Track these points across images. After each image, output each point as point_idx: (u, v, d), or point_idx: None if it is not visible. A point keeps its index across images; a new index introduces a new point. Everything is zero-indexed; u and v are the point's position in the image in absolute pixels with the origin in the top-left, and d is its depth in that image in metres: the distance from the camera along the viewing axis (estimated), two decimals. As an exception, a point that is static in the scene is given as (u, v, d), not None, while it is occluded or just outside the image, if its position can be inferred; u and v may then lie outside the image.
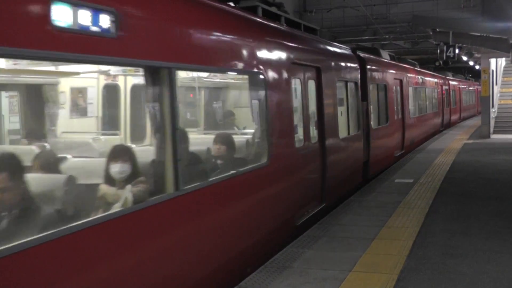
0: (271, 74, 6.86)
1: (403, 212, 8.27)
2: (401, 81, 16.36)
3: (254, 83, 6.78)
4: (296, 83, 7.90)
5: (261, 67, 6.60)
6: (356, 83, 11.25)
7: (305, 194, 7.94)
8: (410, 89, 18.24)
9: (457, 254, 6.16)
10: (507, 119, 23.09)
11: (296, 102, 7.93)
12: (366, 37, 27.92)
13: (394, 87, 15.37)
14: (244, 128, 8.38)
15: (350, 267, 5.78)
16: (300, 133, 7.98)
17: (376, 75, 13.37)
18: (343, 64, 10.68)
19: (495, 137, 21.25)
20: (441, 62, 21.55)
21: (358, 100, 11.29)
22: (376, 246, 6.54)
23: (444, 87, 27.23)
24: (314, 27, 10.15)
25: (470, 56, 26.71)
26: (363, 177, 11.60)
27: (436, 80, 24.99)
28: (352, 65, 11.19)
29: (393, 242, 6.69)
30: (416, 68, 20.86)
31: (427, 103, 22.07)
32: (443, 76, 28.64)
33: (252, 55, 6.49)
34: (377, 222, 7.70)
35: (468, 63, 31.26)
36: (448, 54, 19.77)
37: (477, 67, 33.79)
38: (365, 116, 11.82)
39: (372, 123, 12.48)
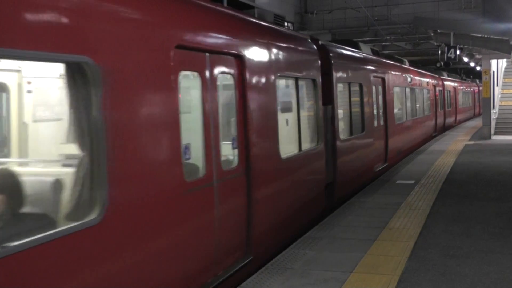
0: (120, 62, 4.12)
1: (404, 213, 8.28)
2: (383, 80, 13.86)
3: (74, 76, 3.84)
4: (188, 78, 5.37)
5: (93, 48, 3.83)
6: (314, 81, 8.67)
7: (206, 254, 5.26)
8: (396, 90, 15.76)
9: (458, 255, 6.17)
10: (508, 120, 23.09)
11: (189, 109, 5.37)
12: (367, 38, 27.94)
13: (374, 87, 12.84)
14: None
15: (351, 268, 5.80)
16: (197, 159, 5.24)
17: (348, 71, 10.81)
18: (291, 54, 7.86)
19: (496, 138, 21.26)
20: (442, 63, 21.57)
21: (317, 104, 8.78)
22: (377, 247, 6.55)
23: (437, 88, 24.60)
24: (249, 3, 7.61)
25: (471, 57, 26.76)
26: (328, 202, 9.31)
27: (428, 79, 22.27)
28: (309, 57, 8.62)
29: (394, 243, 6.70)
30: (404, 66, 18.26)
31: (417, 105, 19.36)
32: (437, 76, 25.75)
33: (67, 27, 3.63)
34: (378, 223, 7.72)
35: (462, 63, 31.13)
36: (449, 55, 19.80)
37: (478, 68, 33.79)
38: (329, 124, 9.36)
39: (340, 132, 9.99)
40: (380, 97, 13.57)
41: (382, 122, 13.55)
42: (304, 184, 8.11)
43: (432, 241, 6.77)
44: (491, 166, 13.32)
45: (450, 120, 28.72)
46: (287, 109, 7.96)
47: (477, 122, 29.77)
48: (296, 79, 8.07)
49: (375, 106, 12.82)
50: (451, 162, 14.19)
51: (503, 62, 25.17)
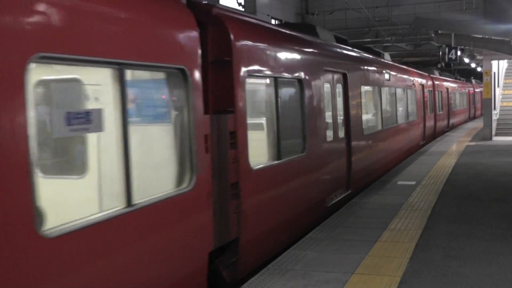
0: None
1: (405, 215, 8.27)
2: (345, 76, 10.19)
3: None
4: None
5: None
6: (183, 72, 5.11)
7: None
8: (367, 90, 12.35)
9: (460, 256, 6.16)
10: (509, 121, 23.09)
11: None
12: (368, 39, 27.98)
13: (328, 86, 9.34)
14: None
15: (352, 269, 5.79)
16: None
17: (272, 61, 7.05)
18: (99, 19, 4.13)
19: (497, 139, 21.25)
20: (443, 64, 21.56)
21: (188, 111, 5.17)
22: (378, 248, 6.55)
23: (427, 88, 21.09)
24: None
25: (472, 58, 26.76)
26: (227, 275, 5.91)
27: (414, 78, 18.60)
28: (168, 30, 5.01)
29: (395, 244, 6.69)
30: (380, 60, 14.55)
31: (399, 109, 15.74)
32: (426, 74, 22.14)
33: None
34: (379, 224, 7.71)
35: (461, 64, 30.63)
36: (450, 56, 19.77)
37: (478, 69, 33.78)
38: (225, 147, 5.76)
39: (251, 157, 6.20)
40: (339, 100, 10.02)
41: (342, 134, 9.97)
42: (141, 271, 4.40)
43: (434, 242, 6.76)
44: (492, 167, 13.30)
45: (441, 124, 25.35)
46: (83, 127, 4.06)
47: (474, 125, 29.71)
48: (120, 67, 4.30)
49: (329, 113, 9.31)
50: (452, 163, 14.18)
51: (504, 63, 25.19)
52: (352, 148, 10.33)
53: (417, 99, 18.78)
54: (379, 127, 13.22)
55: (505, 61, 24.52)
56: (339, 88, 10.02)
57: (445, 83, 27.27)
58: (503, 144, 19.11)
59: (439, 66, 23.12)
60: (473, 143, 19.60)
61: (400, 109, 16.08)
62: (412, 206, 8.90)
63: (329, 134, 9.26)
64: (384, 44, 29.31)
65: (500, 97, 24.36)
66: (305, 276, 5.62)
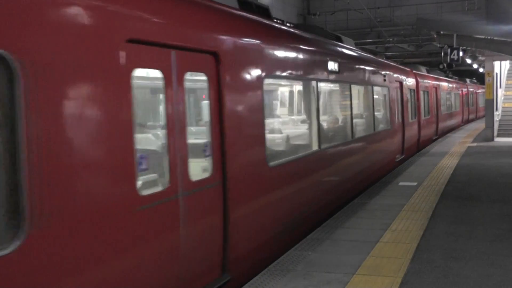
0: None
1: (407, 215, 8.27)
2: (215, 57, 5.38)
3: None
4: None
5: None
6: None
7: None
8: (280, 85, 8.77)
9: (461, 257, 6.16)
10: (511, 122, 23.07)
11: None
12: (370, 40, 28.00)
13: (159, 77, 4.56)
14: None
15: (354, 270, 5.79)
16: None
17: None
18: None
19: (499, 140, 21.24)
20: (445, 65, 21.53)
21: None
22: (380, 249, 6.55)
23: (407, 88, 16.65)
24: None
25: (474, 59, 26.74)
26: None
27: (387, 73, 13.83)
28: None
29: (397, 245, 6.69)
30: (322, 40, 9.42)
31: (364, 115, 11.85)
32: (408, 70, 18.29)
33: None
34: (380, 225, 7.71)
35: (458, 65, 29.93)
36: (452, 57, 19.75)
37: (480, 70, 33.74)
38: None
39: None
40: (205, 104, 5.45)
41: (205, 173, 5.30)
42: None
43: (435, 243, 6.76)
44: (494, 168, 13.29)
45: (427, 132, 20.75)
46: None
47: (475, 125, 29.65)
48: None
49: (160, 131, 4.97)
50: (454, 164, 14.17)
51: (506, 64, 25.16)
52: (231, 200, 5.57)
53: (392, 101, 14.14)
54: (314, 147, 8.40)
55: (507, 62, 24.49)
56: (198, 82, 5.47)
57: (433, 82, 22.83)
58: (505, 145, 19.10)
59: (440, 67, 23.06)
60: (474, 144, 19.59)
61: (365, 115, 11.80)
62: (413, 207, 8.89)
63: (158, 180, 4.69)
64: (386, 45, 29.33)
65: (502, 98, 24.34)
66: (306, 276, 5.62)
